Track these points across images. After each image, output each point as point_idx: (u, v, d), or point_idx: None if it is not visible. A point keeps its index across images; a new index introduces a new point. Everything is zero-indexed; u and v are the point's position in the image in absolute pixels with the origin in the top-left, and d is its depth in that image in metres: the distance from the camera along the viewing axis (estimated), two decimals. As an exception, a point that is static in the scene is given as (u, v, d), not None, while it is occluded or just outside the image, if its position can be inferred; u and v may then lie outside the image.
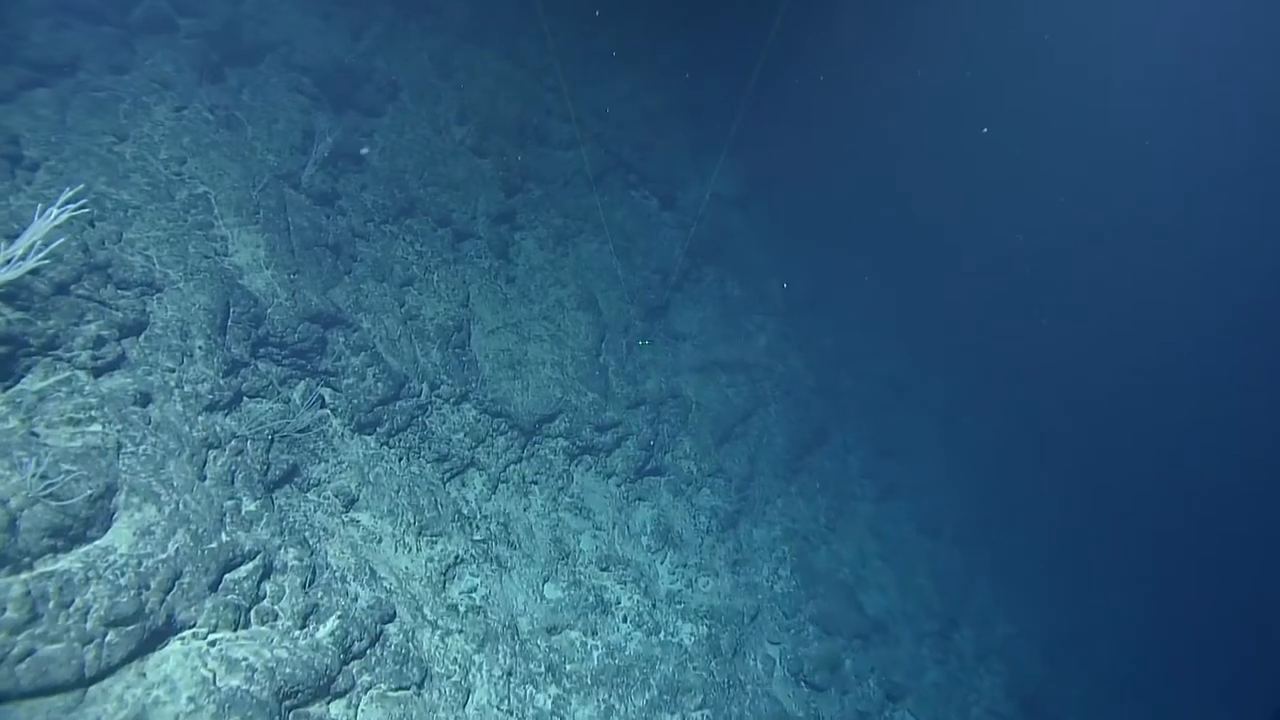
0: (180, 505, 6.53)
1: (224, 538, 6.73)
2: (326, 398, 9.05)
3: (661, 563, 11.88)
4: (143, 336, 7.27)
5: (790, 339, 16.77)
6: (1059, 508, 21.97)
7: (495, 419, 10.84)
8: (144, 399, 6.91)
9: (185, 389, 7.31)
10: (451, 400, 10.49)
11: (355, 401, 9.16)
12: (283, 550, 7.28)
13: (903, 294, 22.92)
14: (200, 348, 7.66)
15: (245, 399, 8.08)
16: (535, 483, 11.11)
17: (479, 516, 10.02)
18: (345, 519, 8.52)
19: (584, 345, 12.48)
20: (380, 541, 8.60)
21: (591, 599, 10.30)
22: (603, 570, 10.92)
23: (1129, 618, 21.44)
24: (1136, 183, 28.46)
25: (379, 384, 9.45)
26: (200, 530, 6.55)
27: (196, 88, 9.54)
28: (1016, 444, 22.68)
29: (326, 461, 8.68)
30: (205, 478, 7.04)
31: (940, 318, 23.44)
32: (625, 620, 10.49)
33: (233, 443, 7.50)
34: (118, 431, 6.48)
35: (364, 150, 11.65)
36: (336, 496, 8.56)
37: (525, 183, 13.79)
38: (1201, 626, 23.00)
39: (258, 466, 7.64)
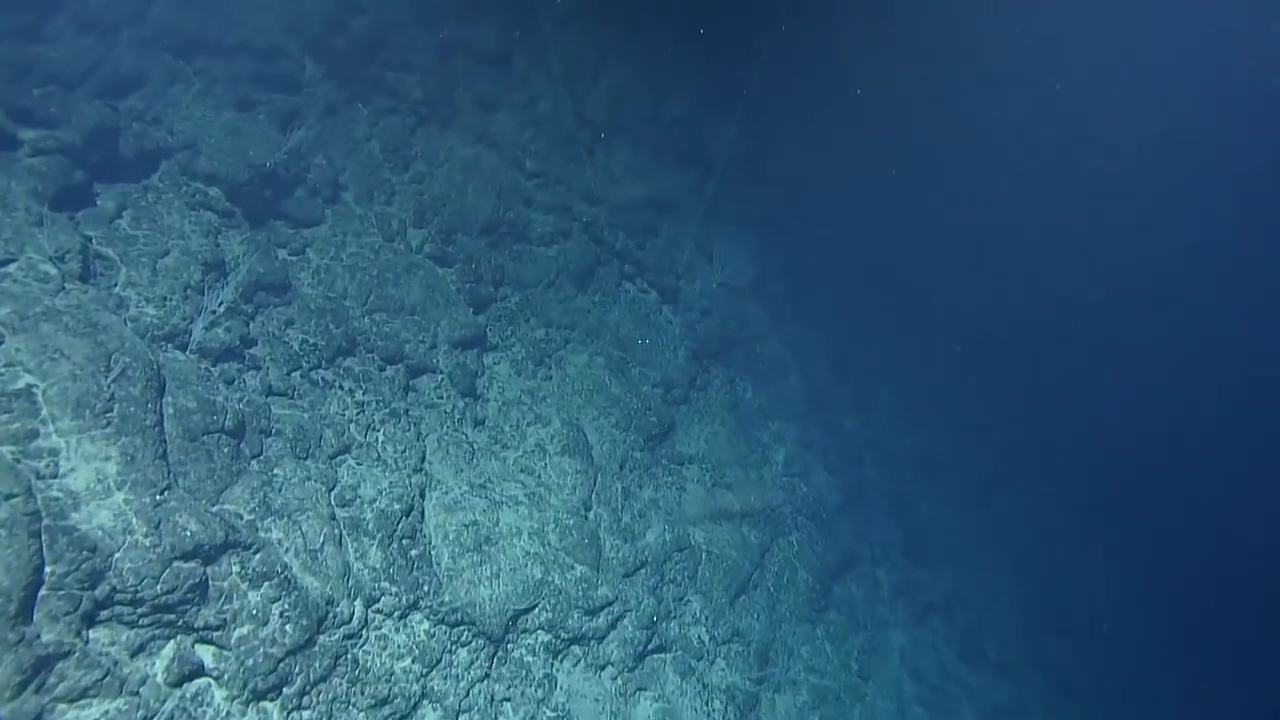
0: None
1: None
2: (207, 662, 6.27)
3: (669, 781, 9.10)
4: None
5: (812, 447, 14.00)
6: (1108, 596, 19.11)
7: (455, 629, 8.05)
8: None
9: (-60, 747, 4.53)
10: (396, 615, 7.70)
11: (250, 662, 6.37)
12: None
13: (931, 355, 20.09)
14: (-17, 656, 4.88)
15: (58, 710, 5.29)
16: (508, 700, 8.32)
17: (429, 780, 7.23)
18: None
19: (570, 502, 9.69)
20: None
21: None
22: (595, 818, 8.13)
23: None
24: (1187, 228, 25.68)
25: (289, 625, 6.67)
26: None
27: (34, 228, 6.78)
28: (1057, 520, 19.81)
29: (200, 765, 5.90)
30: None
31: (972, 379, 20.56)
32: None
33: (22, 815, 4.71)
34: None
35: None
36: (214, 818, 5.77)
37: (499, 290, 11.04)
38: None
39: (67, 838, 4.85)
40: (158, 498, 6.22)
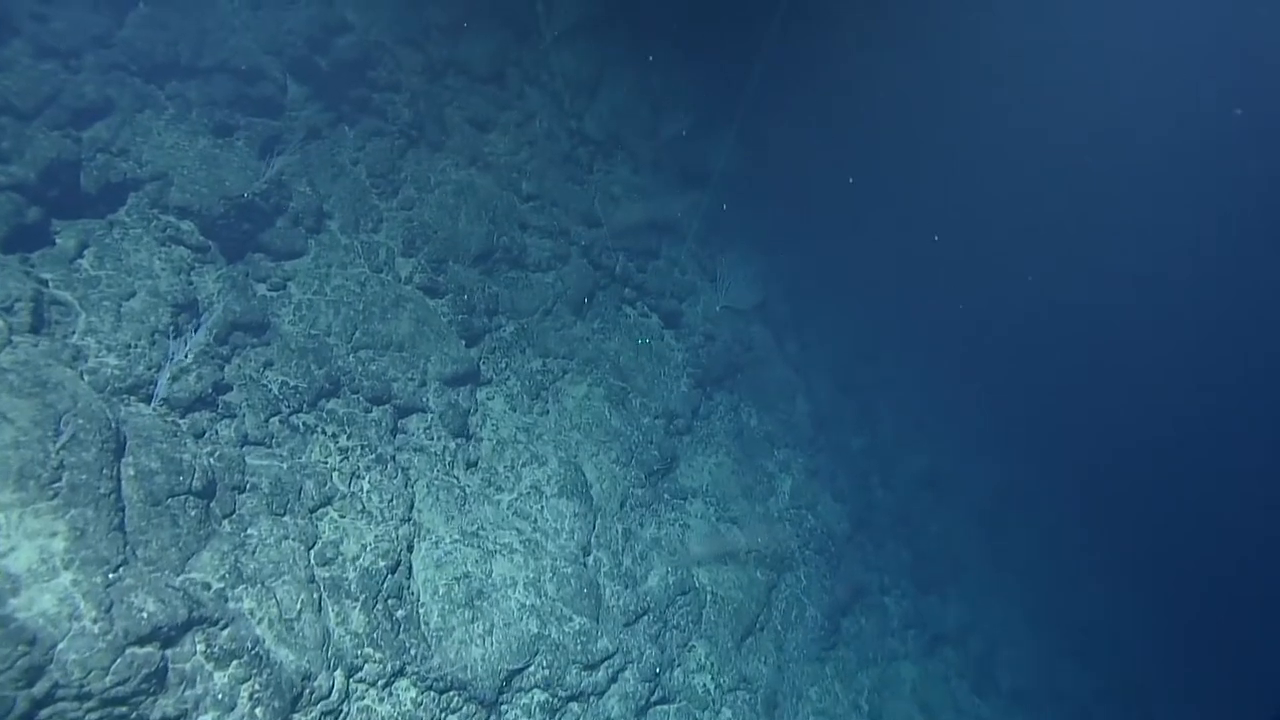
0: None
1: None
2: (166, 757, 5.59)
3: (674, 846, 8.43)
4: None
5: (819, 474, 13.31)
6: (1124, 616, 18.37)
7: (444, 694, 7.38)
8: None
9: None
10: (380, 684, 7.03)
11: (214, 753, 5.70)
12: None
13: (937, 369, 19.36)
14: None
15: (-4, 833, 4.62)
16: (502, 768, 7.66)
17: None
18: None
19: (568, 548, 9.02)
20: None
21: None
22: None
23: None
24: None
25: (259, 708, 5.99)
26: None
27: (-19, 278, 6.11)
28: (1068, 537, 19.08)
29: None
30: None
31: (978, 392, 19.81)
32: None
33: None
34: None
35: None
36: None
37: (493, 320, 10.36)
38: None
39: None
40: (110, 575, 5.54)
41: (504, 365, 10.19)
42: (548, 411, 10.24)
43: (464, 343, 9.75)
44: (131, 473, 6.17)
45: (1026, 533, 18.32)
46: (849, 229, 17.82)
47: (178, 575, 6.14)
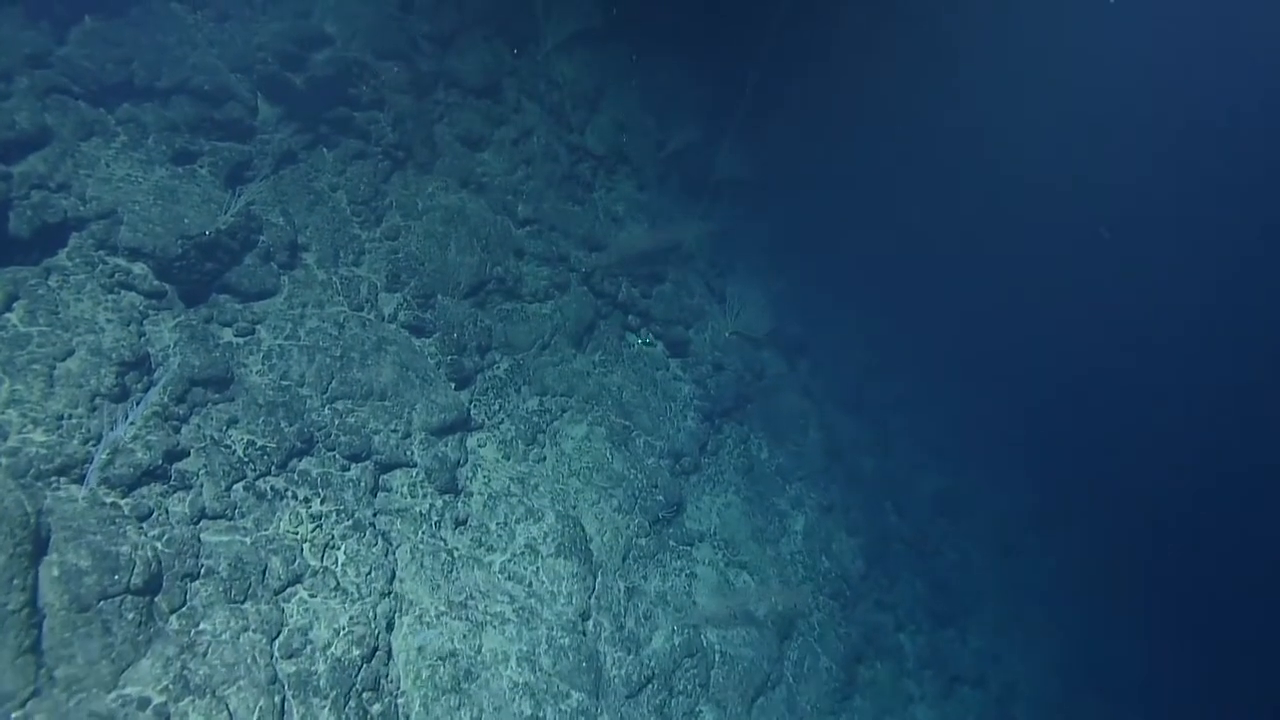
0: None
1: None
2: None
3: None
4: None
5: (833, 510, 12.29)
6: (1150, 645, 17.31)
7: (424, 800, 6.42)
8: None
9: None
10: (350, 795, 6.06)
11: None
12: None
13: (949, 383, 18.22)
14: None
15: None
16: None
17: None
18: None
19: (565, 614, 8.02)
20: None
21: None
22: None
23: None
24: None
25: None
26: None
27: (-126, 351, 5.08)
28: (1090, 563, 17.95)
29: None
30: None
31: (998, 410, 18.65)
32: None
33: None
34: None
35: None
36: None
37: (486, 357, 9.33)
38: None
39: None
40: (14, 716, 4.56)
41: (497, 408, 9.16)
42: (545, 458, 9.22)
43: (453, 386, 8.72)
44: (55, 574, 5.18)
45: (1049, 563, 17.25)
46: (861, 240, 16.69)
47: (108, 693, 5.16)
